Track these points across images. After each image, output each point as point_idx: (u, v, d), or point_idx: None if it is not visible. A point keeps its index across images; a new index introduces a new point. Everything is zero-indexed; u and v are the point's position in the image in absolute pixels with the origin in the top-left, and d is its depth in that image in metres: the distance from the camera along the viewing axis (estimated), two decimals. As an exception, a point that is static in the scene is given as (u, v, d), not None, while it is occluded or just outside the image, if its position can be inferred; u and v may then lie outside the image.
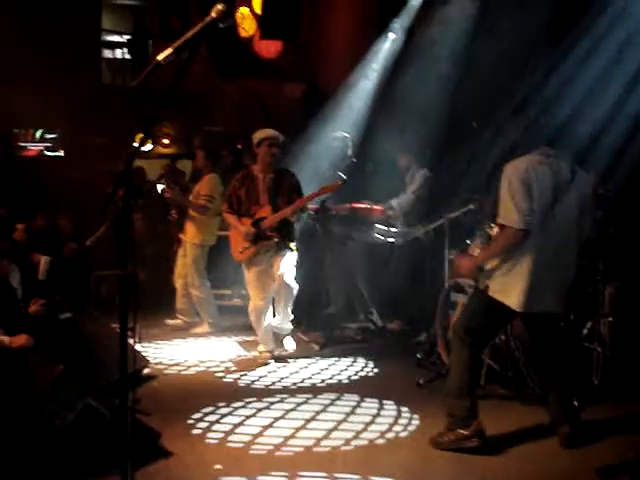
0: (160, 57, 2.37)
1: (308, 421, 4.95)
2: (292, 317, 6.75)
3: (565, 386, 4.54)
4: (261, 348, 6.70)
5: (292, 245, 6.54)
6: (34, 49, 10.74)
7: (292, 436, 4.66)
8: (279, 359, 6.62)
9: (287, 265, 6.42)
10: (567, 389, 4.55)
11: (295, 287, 6.48)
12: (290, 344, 6.87)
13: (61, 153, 11.89)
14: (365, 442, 4.58)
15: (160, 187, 7.76)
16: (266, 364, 6.50)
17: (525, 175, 4.19)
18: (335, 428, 4.80)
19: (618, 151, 5.84)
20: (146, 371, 6.04)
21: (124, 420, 2.78)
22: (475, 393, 4.46)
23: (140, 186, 2.54)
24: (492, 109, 6.85)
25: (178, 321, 7.92)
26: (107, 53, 13.17)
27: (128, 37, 13.09)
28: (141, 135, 8.15)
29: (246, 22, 10.31)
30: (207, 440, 4.61)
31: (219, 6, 2.37)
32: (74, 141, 11.82)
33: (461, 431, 4.34)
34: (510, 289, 4.28)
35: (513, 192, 4.17)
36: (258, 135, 6.57)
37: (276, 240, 6.41)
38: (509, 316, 4.47)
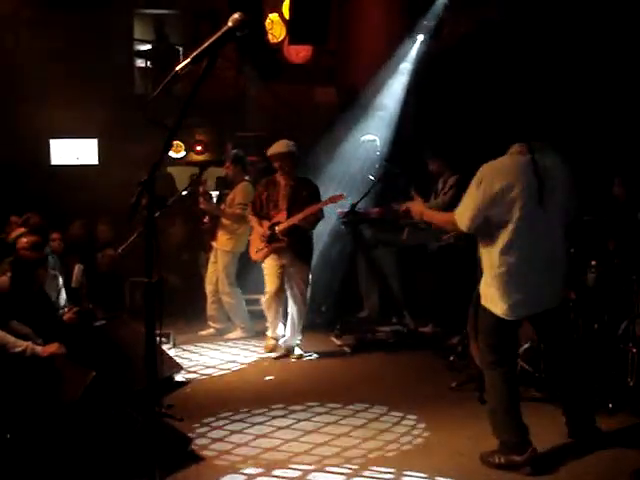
0: (178, 67, 2.40)
1: (337, 428, 4.94)
2: (300, 337, 7.02)
3: (578, 388, 4.48)
4: (269, 333, 7.11)
5: (305, 254, 6.89)
6: (68, 60, 10.91)
7: (325, 443, 4.66)
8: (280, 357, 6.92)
9: (302, 283, 6.85)
10: (581, 391, 4.50)
11: (306, 307, 6.94)
12: (297, 352, 6.98)
13: (96, 162, 12.04)
14: (398, 446, 4.58)
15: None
16: (271, 351, 7.00)
17: (498, 183, 4.05)
18: (369, 437, 4.77)
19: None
20: (179, 377, 6.10)
21: (153, 425, 2.81)
22: (521, 413, 4.25)
23: (164, 196, 2.56)
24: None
25: (210, 330, 7.97)
26: (139, 62, 13.28)
27: (150, 46, 13.18)
28: (174, 142, 8.24)
29: (275, 28, 10.35)
30: (237, 446, 4.63)
31: (236, 15, 2.38)
32: (109, 150, 11.96)
33: (515, 457, 4.15)
34: (496, 298, 4.18)
35: (477, 196, 4.08)
36: (268, 153, 7.01)
37: (286, 244, 6.78)
38: (516, 323, 4.33)
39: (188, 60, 2.40)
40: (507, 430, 4.21)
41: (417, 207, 4.62)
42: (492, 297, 4.18)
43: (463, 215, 4.14)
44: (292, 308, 6.89)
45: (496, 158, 4.23)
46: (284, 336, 7.02)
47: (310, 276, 6.93)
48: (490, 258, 4.17)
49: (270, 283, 6.95)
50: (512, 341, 4.44)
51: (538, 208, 4.07)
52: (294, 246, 6.80)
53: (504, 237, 4.08)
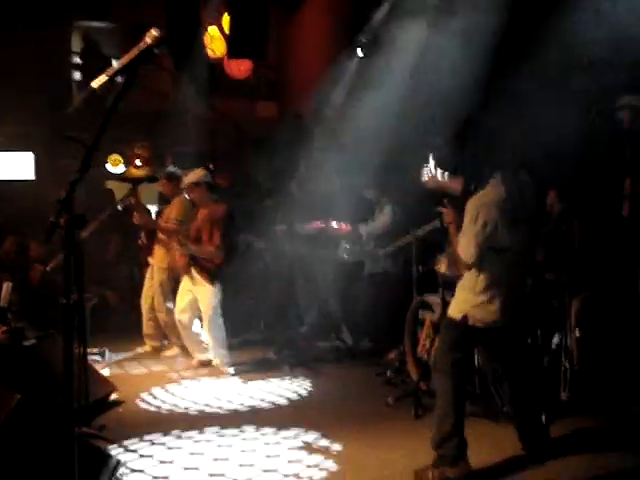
0: (94, 84, 2.34)
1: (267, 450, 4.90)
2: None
3: (532, 401, 4.55)
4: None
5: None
6: (6, 71, 10.72)
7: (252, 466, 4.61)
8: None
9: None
10: (534, 404, 4.57)
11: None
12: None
13: (32, 177, 11.84)
14: (333, 466, 4.55)
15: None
16: None
17: (491, 215, 4.22)
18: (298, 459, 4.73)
19: (573, 164, 5.85)
20: (113, 396, 5.97)
21: (72, 445, 2.74)
22: (463, 429, 4.32)
23: (83, 215, 2.50)
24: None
25: (147, 347, 7.86)
26: (77, 76, 13.09)
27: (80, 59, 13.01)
28: (113, 157, 8.12)
29: (215, 43, 10.30)
30: (166, 468, 4.54)
31: (153, 32, 2.34)
32: (45, 165, 11.77)
33: (448, 472, 4.20)
34: (487, 309, 4.30)
35: (476, 229, 4.22)
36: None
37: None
38: (484, 338, 4.46)
39: (105, 76, 2.35)
40: (447, 443, 4.24)
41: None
42: (484, 309, 4.31)
43: (467, 250, 4.27)
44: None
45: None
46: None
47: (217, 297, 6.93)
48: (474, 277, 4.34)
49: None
50: (472, 358, 4.84)
51: (513, 231, 4.29)
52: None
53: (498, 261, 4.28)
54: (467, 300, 4.36)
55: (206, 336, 7.04)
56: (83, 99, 2.37)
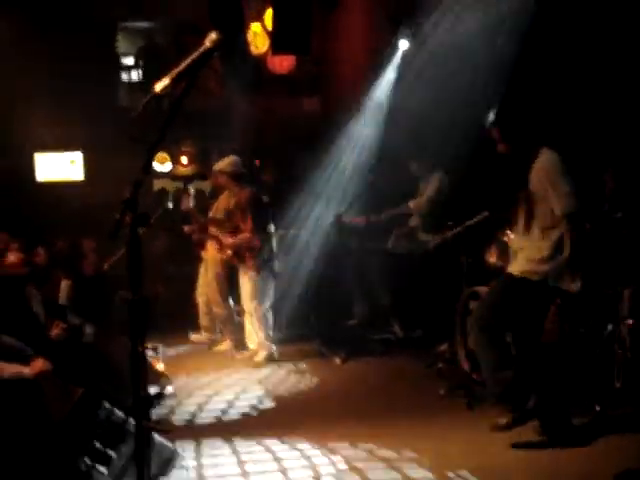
0: (157, 88, 2.42)
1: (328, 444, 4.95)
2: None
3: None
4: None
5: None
6: (51, 74, 10.93)
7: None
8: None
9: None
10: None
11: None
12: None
13: (81, 177, 12.05)
14: (388, 455, 4.60)
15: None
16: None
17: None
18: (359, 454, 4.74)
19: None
20: (169, 390, 6.09)
21: (142, 439, 2.82)
22: None
23: (146, 213, 2.57)
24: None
25: (202, 336, 7.99)
26: (123, 76, 13.31)
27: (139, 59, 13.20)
28: (159, 155, 8.27)
29: (258, 39, 10.37)
30: (223, 457, 4.65)
31: (213, 35, 2.41)
32: (93, 164, 11.97)
33: None
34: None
35: (570, 180, 4.46)
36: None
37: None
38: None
39: (167, 80, 2.42)
40: None
41: None
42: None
43: (570, 199, 4.47)
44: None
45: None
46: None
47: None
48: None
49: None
50: None
51: None
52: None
53: None
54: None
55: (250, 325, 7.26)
56: (146, 103, 2.44)
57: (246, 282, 7.16)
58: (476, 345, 4.93)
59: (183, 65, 2.41)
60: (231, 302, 7.80)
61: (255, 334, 7.24)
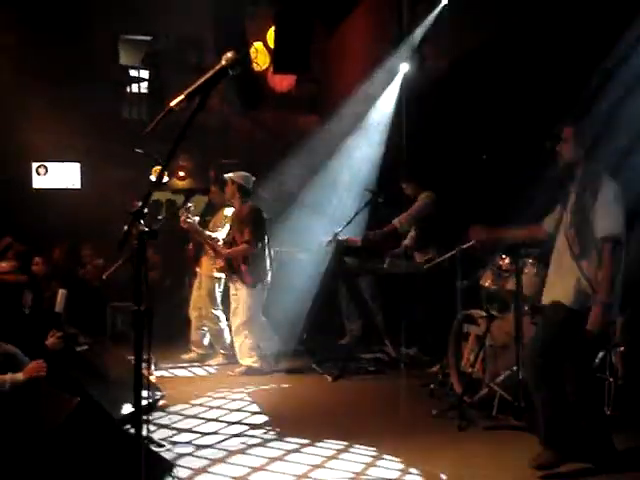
0: (172, 103, 2.47)
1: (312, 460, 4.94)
2: None
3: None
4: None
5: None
6: (53, 84, 10.98)
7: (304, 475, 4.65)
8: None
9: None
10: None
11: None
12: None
13: (78, 186, 12.09)
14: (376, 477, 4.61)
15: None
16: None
17: None
18: (350, 469, 4.75)
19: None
20: (161, 403, 6.10)
21: (138, 452, 2.83)
22: None
23: (152, 228, 2.60)
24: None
25: (192, 354, 8.01)
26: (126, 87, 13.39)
27: (146, 72, 13.28)
28: (156, 168, 8.33)
29: (260, 57, 10.48)
30: (214, 469, 4.64)
31: (229, 54, 2.47)
32: (94, 175, 12.02)
33: None
34: None
35: (621, 209, 4.33)
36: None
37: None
38: None
39: (182, 96, 2.48)
40: None
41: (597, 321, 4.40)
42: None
43: (617, 224, 4.31)
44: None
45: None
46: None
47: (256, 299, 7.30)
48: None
49: None
50: None
51: None
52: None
53: None
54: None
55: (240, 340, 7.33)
56: (160, 118, 2.49)
57: (242, 295, 7.23)
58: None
59: (198, 82, 2.47)
60: (223, 317, 7.82)
61: (246, 347, 7.30)
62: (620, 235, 4.31)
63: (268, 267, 7.36)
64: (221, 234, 7.58)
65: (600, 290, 4.32)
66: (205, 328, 7.93)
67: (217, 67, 2.46)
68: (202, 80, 2.47)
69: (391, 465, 4.69)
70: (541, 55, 7.00)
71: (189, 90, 2.48)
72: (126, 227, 2.68)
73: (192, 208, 7.61)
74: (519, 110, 7.11)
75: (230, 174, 7.48)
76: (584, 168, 4.50)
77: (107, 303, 8.58)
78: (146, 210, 2.60)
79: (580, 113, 4.76)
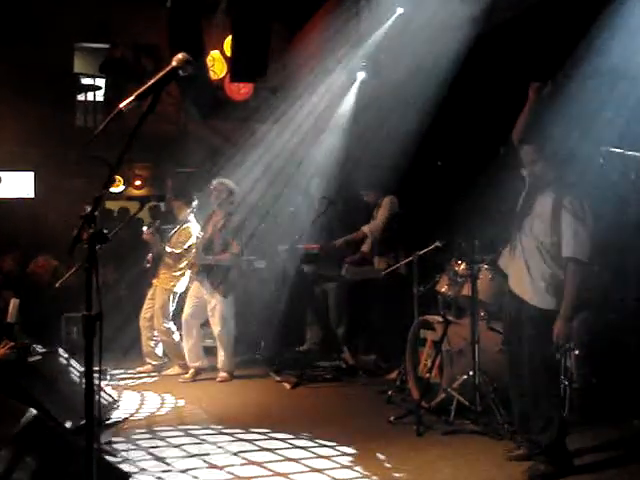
0: (122, 105, 2.44)
1: (263, 457, 4.94)
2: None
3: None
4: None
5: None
6: (6, 92, 10.83)
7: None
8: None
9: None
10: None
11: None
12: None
13: (32, 195, 11.92)
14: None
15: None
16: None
17: None
18: (303, 471, 4.74)
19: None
20: (116, 413, 6.01)
21: (90, 462, 2.78)
22: None
23: (103, 231, 2.56)
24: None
25: (148, 366, 7.91)
26: (80, 96, 13.22)
27: (102, 80, 13.14)
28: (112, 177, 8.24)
29: (217, 65, 10.45)
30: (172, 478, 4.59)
31: (180, 55, 2.45)
32: (48, 184, 11.86)
33: None
34: None
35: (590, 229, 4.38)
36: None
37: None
38: None
39: (132, 98, 2.45)
40: None
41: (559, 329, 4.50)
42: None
43: (585, 249, 4.39)
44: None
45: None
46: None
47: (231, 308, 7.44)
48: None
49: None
50: None
51: None
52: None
53: None
54: None
55: (218, 343, 7.46)
56: (109, 120, 2.45)
57: (218, 303, 7.35)
58: None
59: (148, 83, 2.44)
60: (175, 328, 7.77)
61: (220, 350, 7.44)
62: (584, 258, 4.39)
63: (237, 277, 7.50)
64: (181, 250, 7.66)
65: (565, 307, 4.42)
66: (157, 339, 7.84)
67: (167, 68, 2.44)
68: (152, 81, 2.44)
69: (349, 473, 4.67)
70: (494, 63, 7.09)
71: (139, 91, 2.45)
72: (76, 231, 2.64)
73: (158, 224, 7.63)
74: (474, 117, 7.19)
75: (221, 180, 7.56)
76: (553, 182, 4.57)
77: (62, 313, 8.45)
78: (96, 214, 2.56)
79: (537, 130, 4.80)
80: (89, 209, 2.51)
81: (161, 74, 2.44)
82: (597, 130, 5.63)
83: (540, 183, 4.59)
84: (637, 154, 4.54)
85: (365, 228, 7.81)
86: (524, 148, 4.64)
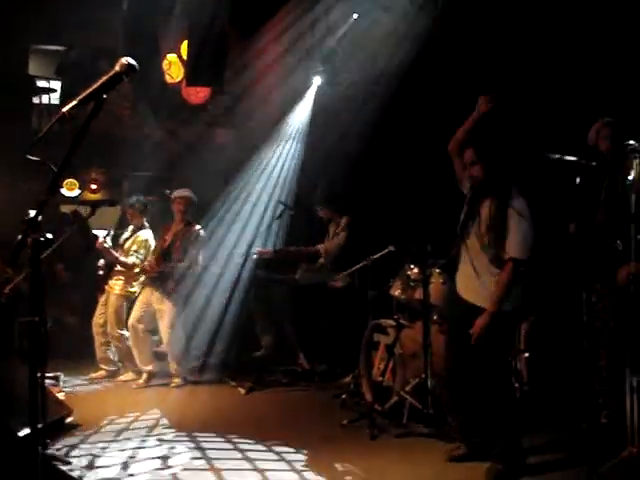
0: (65, 109, 2.43)
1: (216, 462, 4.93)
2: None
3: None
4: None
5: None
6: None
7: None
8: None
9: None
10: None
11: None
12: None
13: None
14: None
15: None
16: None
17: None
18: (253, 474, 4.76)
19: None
20: (69, 419, 5.95)
21: (36, 469, 2.76)
22: None
23: (47, 236, 2.55)
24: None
25: (102, 372, 7.85)
26: (34, 99, 13.07)
27: (57, 82, 13.01)
28: (68, 181, 8.27)
29: (173, 69, 10.39)
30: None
31: (123, 60, 2.45)
32: (1, 188, 11.67)
33: None
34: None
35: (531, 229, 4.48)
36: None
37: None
38: None
39: (75, 102, 2.44)
40: None
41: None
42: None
43: (526, 246, 4.51)
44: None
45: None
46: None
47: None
48: None
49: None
50: None
51: None
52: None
53: None
54: None
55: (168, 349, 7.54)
56: (52, 124, 2.44)
57: (167, 310, 7.44)
58: None
59: (91, 88, 2.44)
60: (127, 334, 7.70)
61: (169, 356, 7.54)
62: (525, 258, 4.50)
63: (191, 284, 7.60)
64: (135, 259, 7.67)
65: (491, 300, 4.50)
66: (110, 345, 7.79)
67: (111, 73, 2.44)
68: (96, 85, 2.44)
69: (302, 476, 4.68)
70: (455, 65, 7.18)
71: (82, 95, 2.44)
72: (20, 237, 2.62)
73: (112, 233, 7.62)
74: (428, 121, 7.26)
75: (181, 192, 7.63)
76: (495, 183, 4.63)
77: (15, 319, 8.32)
78: (40, 218, 2.54)
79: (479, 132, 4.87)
80: (33, 213, 2.49)
81: (104, 79, 2.44)
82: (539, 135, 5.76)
83: (481, 187, 4.66)
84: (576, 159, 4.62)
85: (321, 247, 7.79)
86: (465, 151, 4.72)
